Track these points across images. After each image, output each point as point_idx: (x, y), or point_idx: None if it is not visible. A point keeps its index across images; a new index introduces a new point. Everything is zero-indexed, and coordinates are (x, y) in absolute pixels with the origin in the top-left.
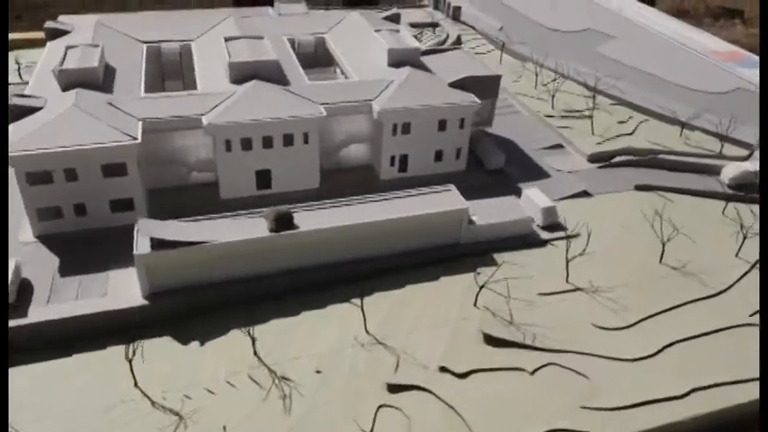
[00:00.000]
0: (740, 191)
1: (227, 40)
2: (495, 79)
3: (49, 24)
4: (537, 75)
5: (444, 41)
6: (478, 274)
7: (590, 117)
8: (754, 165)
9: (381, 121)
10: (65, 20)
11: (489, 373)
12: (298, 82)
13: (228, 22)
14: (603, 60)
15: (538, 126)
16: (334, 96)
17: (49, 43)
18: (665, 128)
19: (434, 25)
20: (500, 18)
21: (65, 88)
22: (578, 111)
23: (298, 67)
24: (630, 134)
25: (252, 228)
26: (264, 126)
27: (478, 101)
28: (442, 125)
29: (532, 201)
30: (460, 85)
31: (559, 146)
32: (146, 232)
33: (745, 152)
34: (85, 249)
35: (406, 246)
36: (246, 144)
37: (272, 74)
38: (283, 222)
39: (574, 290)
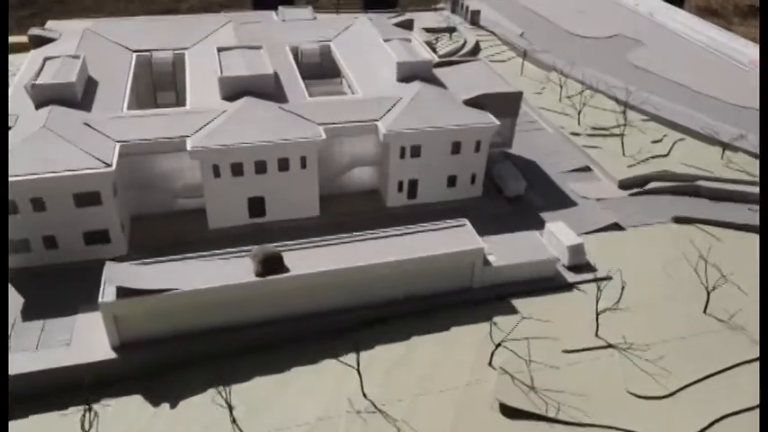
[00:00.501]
0: None
1: (220, 50)
2: (516, 96)
3: (33, 31)
4: (562, 87)
5: (461, 48)
6: (494, 324)
7: (620, 135)
8: None
9: (388, 144)
10: (53, 26)
11: None
12: (297, 98)
13: (227, 28)
14: (634, 70)
15: (562, 145)
16: (336, 115)
17: (31, 52)
18: (705, 149)
19: (451, 30)
20: (522, 23)
21: (38, 105)
22: (607, 128)
23: (298, 80)
24: (665, 155)
25: (236, 270)
26: (257, 150)
27: (497, 121)
28: (456, 148)
29: (557, 237)
30: (477, 102)
31: (587, 169)
32: (112, 278)
33: None
34: (54, 287)
35: (412, 291)
36: (237, 169)
37: (267, 89)
38: (271, 265)
39: (605, 347)
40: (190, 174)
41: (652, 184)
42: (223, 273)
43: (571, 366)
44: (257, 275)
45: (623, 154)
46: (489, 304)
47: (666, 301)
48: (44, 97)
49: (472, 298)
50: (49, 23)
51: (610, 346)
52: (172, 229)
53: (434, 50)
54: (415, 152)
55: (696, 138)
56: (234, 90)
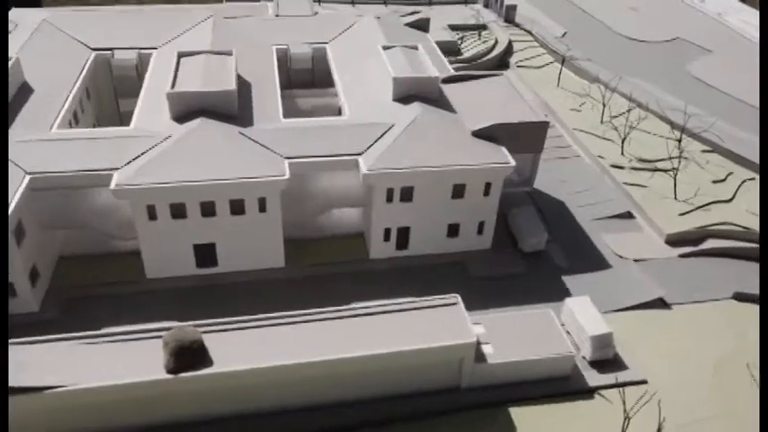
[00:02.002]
0: None
1: (181, 56)
2: (540, 128)
3: None
4: (605, 104)
5: (491, 49)
6: None
7: (674, 171)
8: None
9: (372, 185)
10: (14, 15)
11: None
12: (269, 119)
13: (206, 24)
14: (695, 84)
15: (599, 181)
16: (310, 146)
17: None
18: None
19: (481, 28)
20: (564, 21)
21: None
22: (657, 161)
23: (277, 94)
24: (729, 201)
25: (152, 358)
26: (202, 190)
27: (512, 161)
28: (458, 192)
29: (578, 320)
30: (489, 134)
31: (628, 215)
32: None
33: None
34: None
35: (378, 393)
36: (178, 211)
37: (227, 109)
38: (187, 357)
39: None
40: (125, 211)
41: (710, 242)
42: (135, 361)
43: None
44: (168, 371)
45: (675, 197)
46: (483, 410)
47: (724, 415)
48: None
49: (458, 403)
50: (12, 12)
51: None
52: (105, 274)
53: (458, 52)
54: (406, 195)
55: None
56: (186, 109)
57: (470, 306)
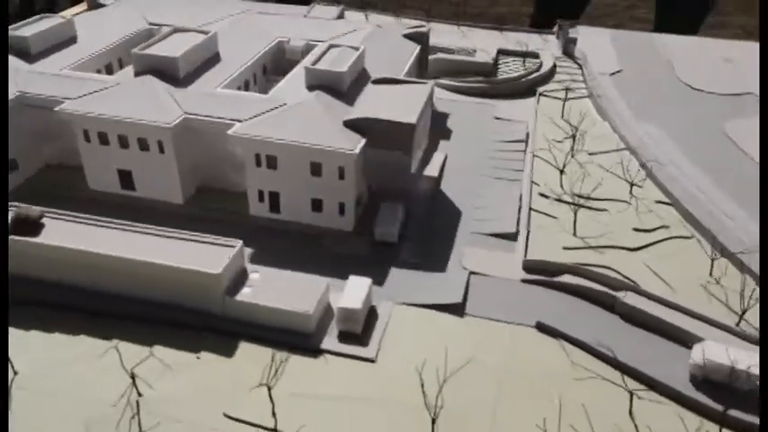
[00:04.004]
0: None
1: (176, 31)
2: (405, 128)
3: None
4: (575, 137)
5: (522, 77)
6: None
7: (574, 209)
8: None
9: (237, 146)
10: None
11: None
12: (207, 86)
13: (236, 16)
14: (717, 142)
15: (512, 203)
16: (211, 108)
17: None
18: (699, 257)
19: (531, 55)
20: (635, 63)
21: None
22: (593, 199)
23: (235, 70)
24: (633, 250)
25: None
26: (117, 124)
27: (356, 150)
28: (316, 170)
29: (345, 293)
30: (358, 126)
31: (513, 237)
32: None
33: None
34: None
35: (150, 295)
36: (104, 139)
37: (171, 71)
38: (21, 226)
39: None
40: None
41: (565, 277)
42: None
43: None
44: (9, 232)
45: (574, 233)
46: (229, 338)
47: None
48: None
49: (207, 324)
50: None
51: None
52: (65, 180)
53: (491, 73)
54: (272, 163)
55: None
56: (143, 67)
57: (306, 269)
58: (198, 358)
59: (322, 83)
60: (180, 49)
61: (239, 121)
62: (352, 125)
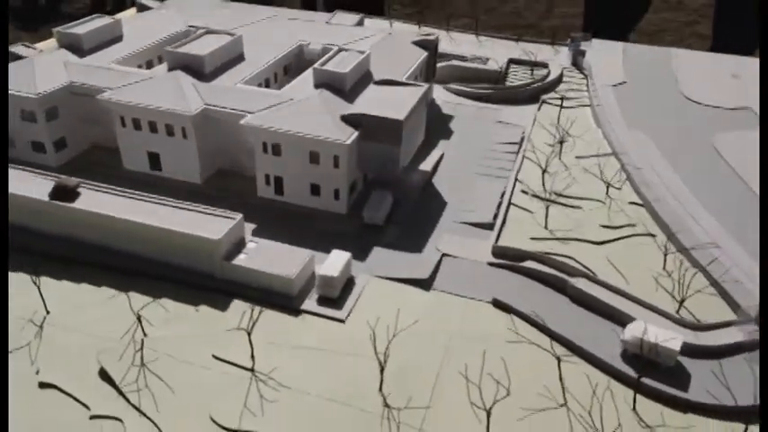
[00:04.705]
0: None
1: (208, 32)
2: (394, 125)
3: None
4: (563, 141)
5: (528, 85)
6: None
7: (546, 205)
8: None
9: (248, 134)
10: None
11: None
12: (230, 81)
13: (265, 21)
14: (704, 154)
15: (493, 197)
16: (229, 100)
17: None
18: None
19: (540, 65)
20: (638, 77)
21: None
22: (569, 197)
23: (256, 68)
24: (597, 243)
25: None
26: (148, 111)
27: (347, 141)
28: (314, 158)
29: (327, 263)
30: (354, 121)
31: (490, 226)
32: None
33: None
34: None
35: (165, 257)
36: (137, 124)
37: (199, 67)
38: (61, 193)
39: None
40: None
41: (528, 263)
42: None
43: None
44: (49, 198)
45: (545, 226)
46: (226, 297)
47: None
48: None
49: (208, 285)
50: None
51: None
52: (106, 160)
53: (499, 81)
54: (276, 150)
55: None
56: (174, 63)
57: (300, 244)
58: (197, 311)
59: (327, 82)
60: (207, 48)
61: (251, 112)
62: (348, 120)
